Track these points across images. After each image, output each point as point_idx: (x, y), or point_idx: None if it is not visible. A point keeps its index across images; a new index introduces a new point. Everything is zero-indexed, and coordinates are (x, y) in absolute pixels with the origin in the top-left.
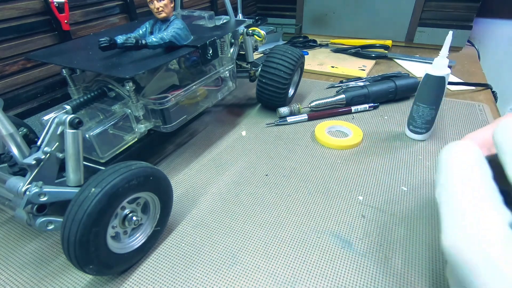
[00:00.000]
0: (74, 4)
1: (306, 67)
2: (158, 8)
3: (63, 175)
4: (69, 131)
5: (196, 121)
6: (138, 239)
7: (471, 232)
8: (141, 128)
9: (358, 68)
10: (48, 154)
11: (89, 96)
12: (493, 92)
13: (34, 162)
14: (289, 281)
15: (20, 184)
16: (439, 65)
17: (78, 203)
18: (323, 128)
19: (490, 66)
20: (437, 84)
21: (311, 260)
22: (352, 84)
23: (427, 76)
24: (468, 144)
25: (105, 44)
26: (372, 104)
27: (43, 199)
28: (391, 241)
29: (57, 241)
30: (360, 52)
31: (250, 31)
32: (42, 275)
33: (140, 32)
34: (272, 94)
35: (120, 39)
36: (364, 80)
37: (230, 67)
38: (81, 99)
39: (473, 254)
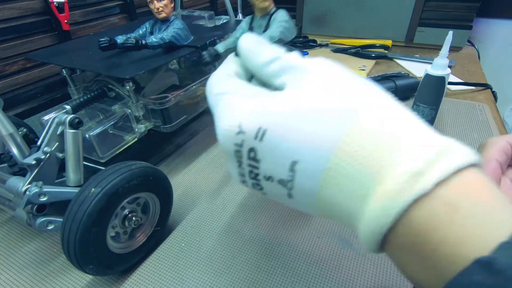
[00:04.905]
0: (74, 4)
1: None
2: (158, 8)
3: (63, 175)
4: (69, 131)
5: (196, 121)
6: (138, 239)
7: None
8: (141, 128)
9: (358, 68)
10: (48, 154)
11: (89, 96)
12: (493, 92)
13: (34, 162)
14: (289, 281)
15: (20, 184)
16: (439, 65)
17: (78, 203)
18: None
19: (490, 66)
20: (437, 84)
21: (311, 260)
22: None
23: (427, 76)
24: None
25: (105, 44)
26: None
27: (43, 199)
28: None
29: (57, 241)
30: (360, 52)
31: None
32: (42, 275)
33: (140, 32)
34: None
35: (120, 39)
36: None
37: None
38: (81, 99)
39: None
